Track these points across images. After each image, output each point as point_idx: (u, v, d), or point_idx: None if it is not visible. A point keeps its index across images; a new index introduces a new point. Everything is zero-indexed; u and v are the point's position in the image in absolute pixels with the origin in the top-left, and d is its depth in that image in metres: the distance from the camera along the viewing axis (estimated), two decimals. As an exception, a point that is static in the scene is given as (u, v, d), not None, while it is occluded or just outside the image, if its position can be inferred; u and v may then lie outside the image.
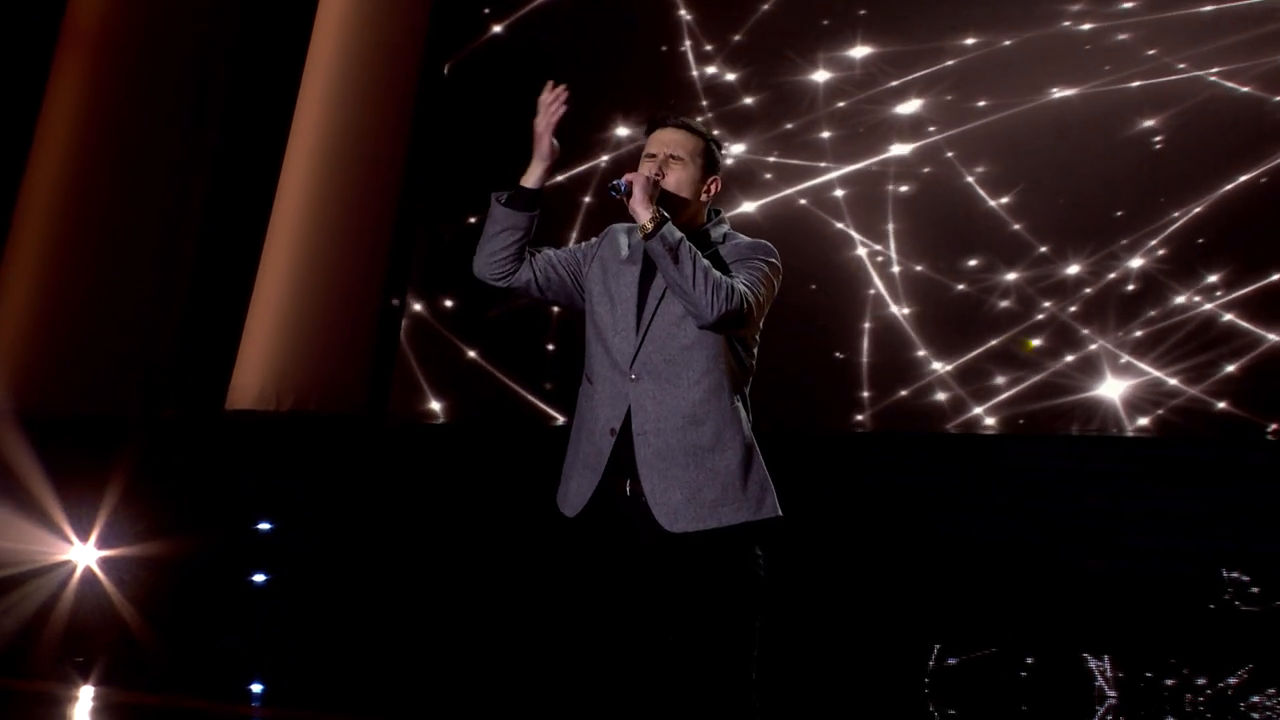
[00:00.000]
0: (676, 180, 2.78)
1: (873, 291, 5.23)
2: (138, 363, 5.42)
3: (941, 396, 5.08)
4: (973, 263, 5.14)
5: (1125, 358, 4.95)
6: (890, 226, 5.26)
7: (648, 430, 2.69)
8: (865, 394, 5.12)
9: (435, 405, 5.53)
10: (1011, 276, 5.13)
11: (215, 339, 5.45)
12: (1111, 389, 4.93)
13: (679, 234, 2.61)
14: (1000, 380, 5.05)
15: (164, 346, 5.46)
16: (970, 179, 5.23)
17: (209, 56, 5.56)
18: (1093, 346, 5.01)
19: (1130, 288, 5.02)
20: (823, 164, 5.39)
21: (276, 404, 5.37)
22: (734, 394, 2.76)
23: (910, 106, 5.33)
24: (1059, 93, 5.14)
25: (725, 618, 2.66)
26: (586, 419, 2.80)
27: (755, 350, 2.85)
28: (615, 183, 2.65)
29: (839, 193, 5.33)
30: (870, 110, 5.40)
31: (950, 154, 5.26)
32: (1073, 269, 5.09)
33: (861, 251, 5.28)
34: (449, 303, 5.63)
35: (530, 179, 2.74)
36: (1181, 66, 4.93)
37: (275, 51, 5.56)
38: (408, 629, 4.94)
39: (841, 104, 5.37)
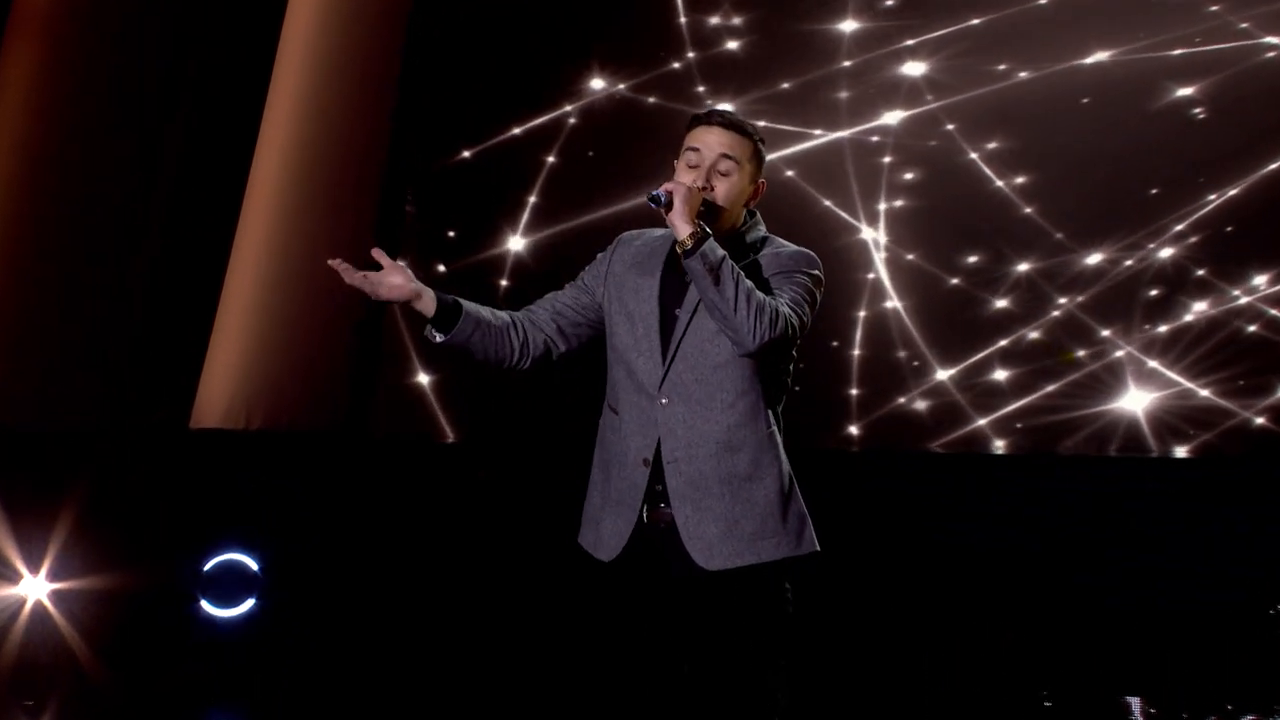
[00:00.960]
0: (726, 192, 2.68)
1: (871, 276, 5.10)
2: (93, 375, 5.27)
3: (936, 405, 4.95)
4: (975, 257, 4.97)
5: (1151, 363, 4.77)
6: (882, 206, 5.13)
7: (679, 457, 2.61)
8: (853, 391, 5.01)
9: (423, 418, 5.46)
10: (1023, 267, 4.95)
11: (179, 350, 5.36)
12: (1134, 401, 4.77)
13: (721, 252, 2.51)
14: (1006, 387, 4.88)
15: (121, 357, 5.32)
16: (975, 155, 5.05)
17: (176, 46, 5.46)
18: (1118, 354, 4.82)
19: (1153, 292, 4.83)
20: (817, 130, 5.22)
21: (245, 421, 5.30)
22: (771, 416, 2.69)
23: (919, 69, 5.18)
24: (1090, 59, 4.96)
25: (752, 658, 2.59)
26: (614, 451, 2.71)
27: (793, 367, 2.77)
28: (654, 193, 2.53)
29: (831, 164, 5.18)
30: (875, 72, 5.23)
31: (951, 125, 5.09)
32: (1092, 259, 4.89)
33: (865, 236, 5.13)
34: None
35: (426, 310, 2.64)
36: (1242, 27, 4.75)
37: (248, 43, 5.50)
38: (400, 672, 4.90)
39: (847, 63, 5.22)
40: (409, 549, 5.17)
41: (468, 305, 2.67)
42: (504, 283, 5.47)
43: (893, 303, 4.94)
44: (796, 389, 2.80)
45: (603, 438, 2.77)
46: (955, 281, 5.01)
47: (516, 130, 5.49)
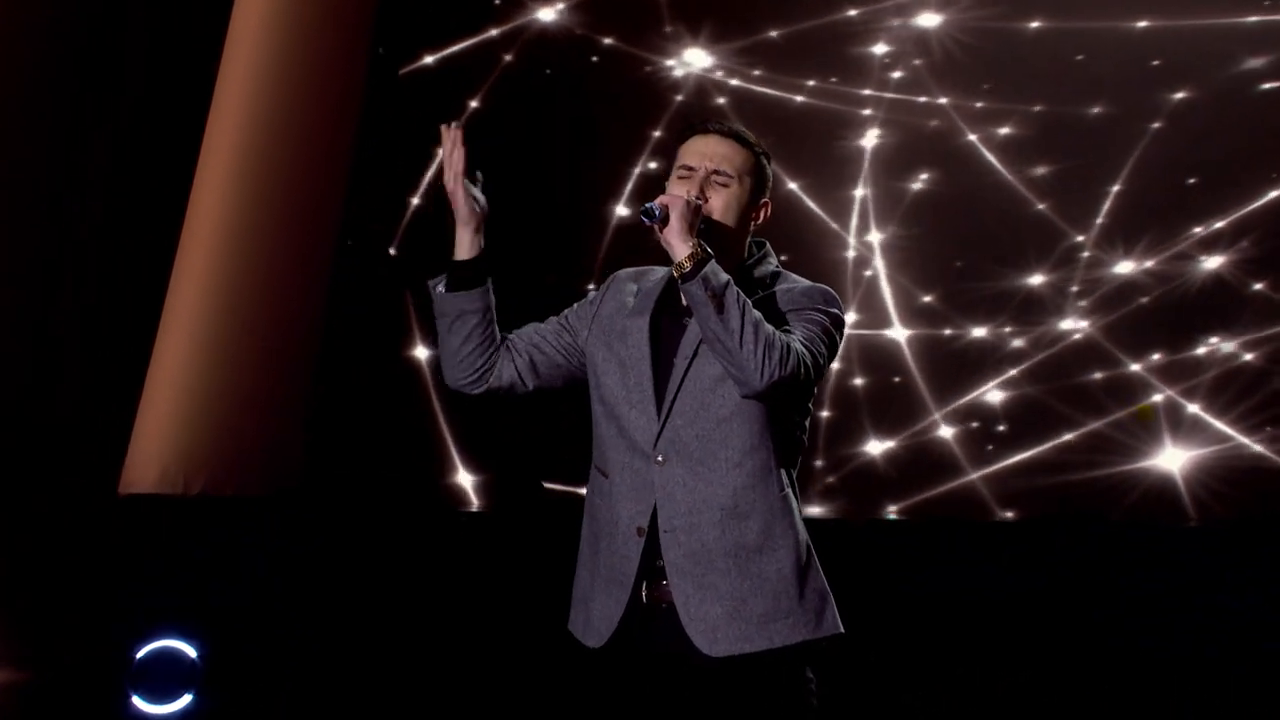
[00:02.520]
0: (724, 204, 2.62)
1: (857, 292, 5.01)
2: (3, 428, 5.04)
3: (930, 457, 4.84)
4: (974, 260, 4.83)
5: (1192, 408, 4.65)
6: (861, 192, 5.02)
7: (677, 526, 2.53)
8: (818, 463, 4.88)
9: (395, 477, 5.44)
10: (1036, 280, 4.82)
11: (104, 400, 5.20)
12: (1171, 459, 4.67)
13: (725, 275, 2.45)
14: (1010, 438, 4.74)
15: (36, 410, 5.13)
16: (975, 136, 4.91)
17: (116, 33, 5.29)
18: (1157, 398, 4.68)
19: (1194, 313, 4.66)
20: (798, 98, 5.06)
21: (184, 486, 5.23)
22: (784, 477, 2.60)
23: (933, 20, 5.05)
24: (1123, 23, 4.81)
25: None
26: (603, 521, 2.63)
27: (808, 422, 2.68)
28: (648, 206, 2.48)
29: (806, 145, 5.06)
30: (870, 26, 5.12)
31: (946, 99, 4.94)
32: (1120, 268, 4.72)
33: (848, 253, 4.99)
34: (421, 353, 5.42)
35: (461, 249, 2.62)
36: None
37: (194, 40, 5.34)
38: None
39: (849, 12, 5.09)
40: (376, 635, 5.15)
41: (491, 284, 2.64)
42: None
43: (888, 333, 4.82)
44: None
45: (591, 505, 2.70)
46: (929, 300, 4.90)
47: (429, 60, 5.42)
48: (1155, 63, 4.80)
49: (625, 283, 2.77)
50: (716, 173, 2.63)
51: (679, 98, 5.20)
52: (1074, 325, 4.82)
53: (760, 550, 2.55)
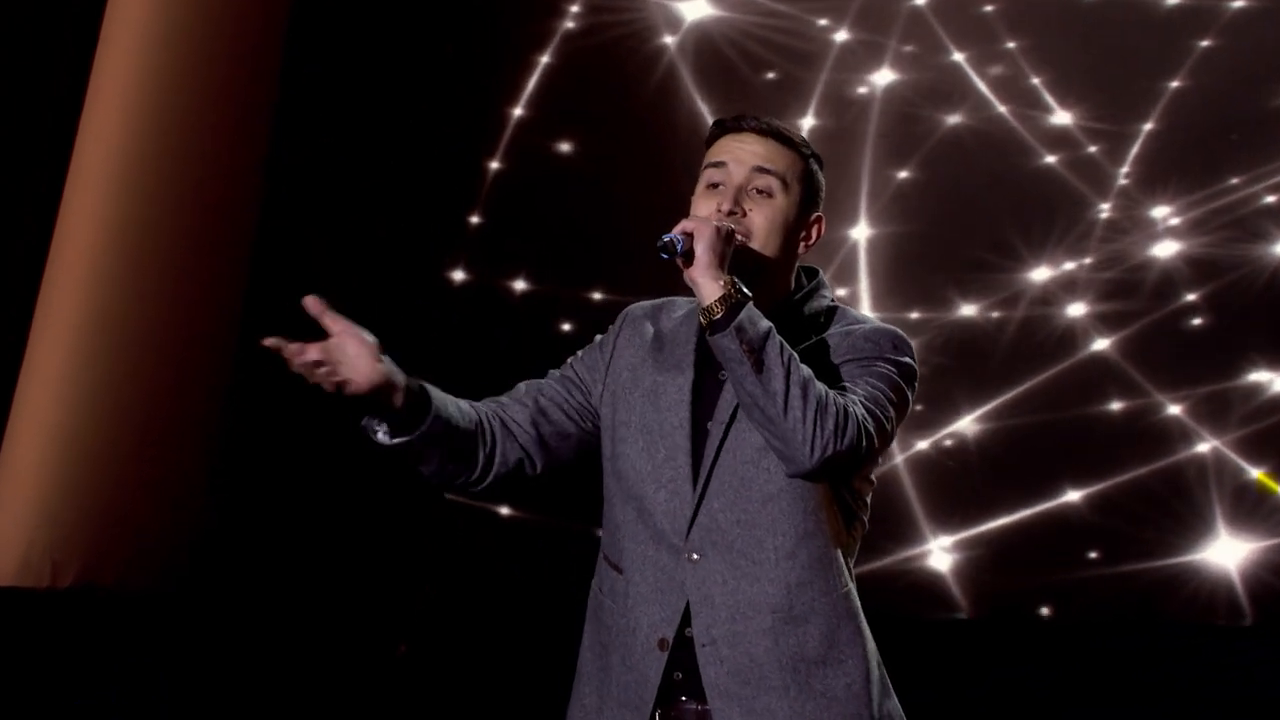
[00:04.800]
0: (765, 221, 2.41)
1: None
2: None
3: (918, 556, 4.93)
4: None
5: (1250, 472, 4.61)
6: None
7: (718, 637, 2.33)
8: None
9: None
10: (1037, 276, 4.92)
11: None
12: (1224, 551, 4.64)
13: (765, 323, 2.24)
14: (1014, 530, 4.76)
15: None
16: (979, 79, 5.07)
17: None
18: (1201, 448, 4.67)
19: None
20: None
21: (51, 578, 5.08)
22: (845, 568, 2.41)
23: None
24: None
25: None
26: (616, 628, 2.42)
27: (870, 495, 2.47)
28: (666, 238, 2.25)
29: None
30: None
31: (961, 55, 5.19)
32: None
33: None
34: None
35: (394, 400, 2.32)
36: None
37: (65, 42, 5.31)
38: None
39: None
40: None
41: (436, 395, 2.37)
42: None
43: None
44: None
45: (598, 608, 2.48)
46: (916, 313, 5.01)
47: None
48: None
49: (641, 323, 2.54)
50: (756, 174, 2.44)
51: (568, 24, 5.71)
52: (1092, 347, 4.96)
53: (824, 662, 2.35)
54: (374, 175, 5.71)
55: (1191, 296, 4.99)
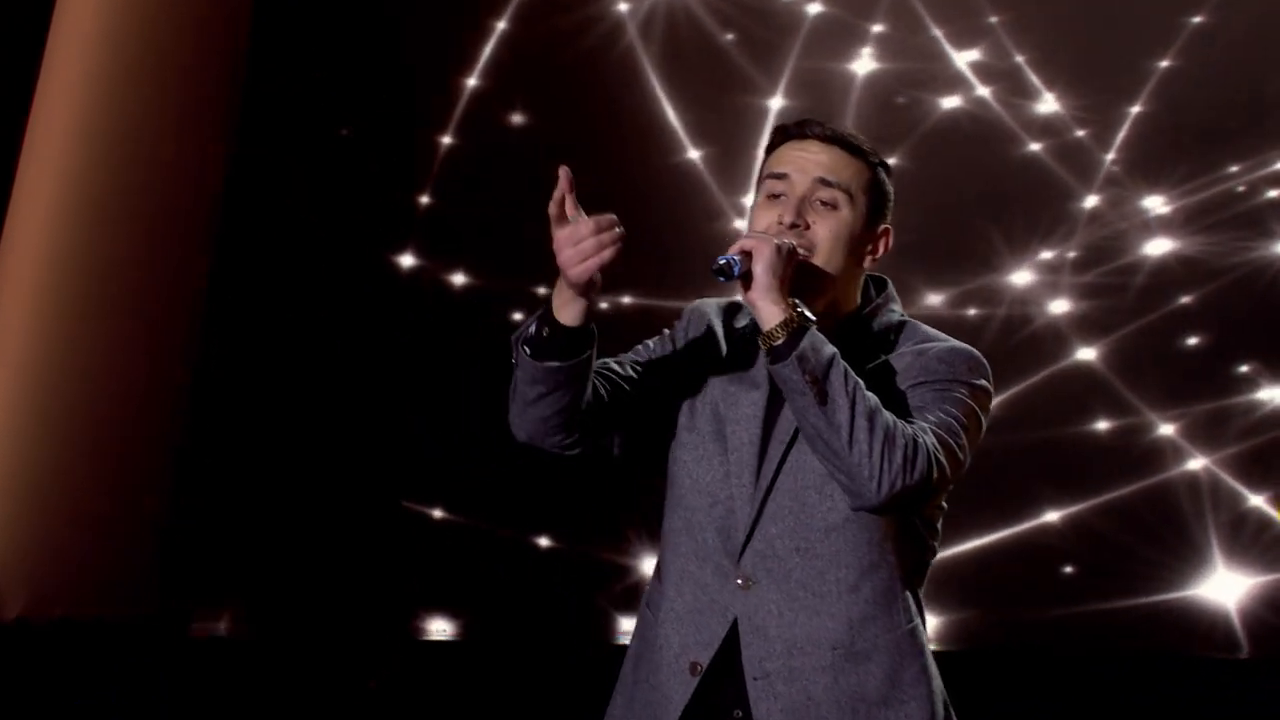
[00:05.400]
0: (830, 234, 2.38)
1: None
2: None
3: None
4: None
5: (1253, 500, 4.43)
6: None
7: (772, 672, 2.32)
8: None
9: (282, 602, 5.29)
10: (1017, 275, 4.81)
11: None
12: (1221, 587, 4.48)
13: (830, 350, 2.21)
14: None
15: None
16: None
17: None
18: (1192, 464, 4.51)
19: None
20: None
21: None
22: (911, 604, 2.40)
23: None
24: None
25: None
26: (648, 641, 2.43)
27: (941, 521, 2.44)
28: (722, 260, 2.22)
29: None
30: None
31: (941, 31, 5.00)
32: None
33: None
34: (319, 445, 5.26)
35: (567, 314, 2.29)
36: None
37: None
38: None
39: None
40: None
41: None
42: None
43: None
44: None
45: (642, 618, 2.49)
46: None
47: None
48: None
49: (710, 322, 2.51)
50: (820, 186, 2.40)
51: (501, 24, 5.53)
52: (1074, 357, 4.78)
53: (885, 703, 2.35)
54: (321, 154, 5.60)
55: (1186, 299, 4.78)
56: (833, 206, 2.39)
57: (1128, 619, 4.60)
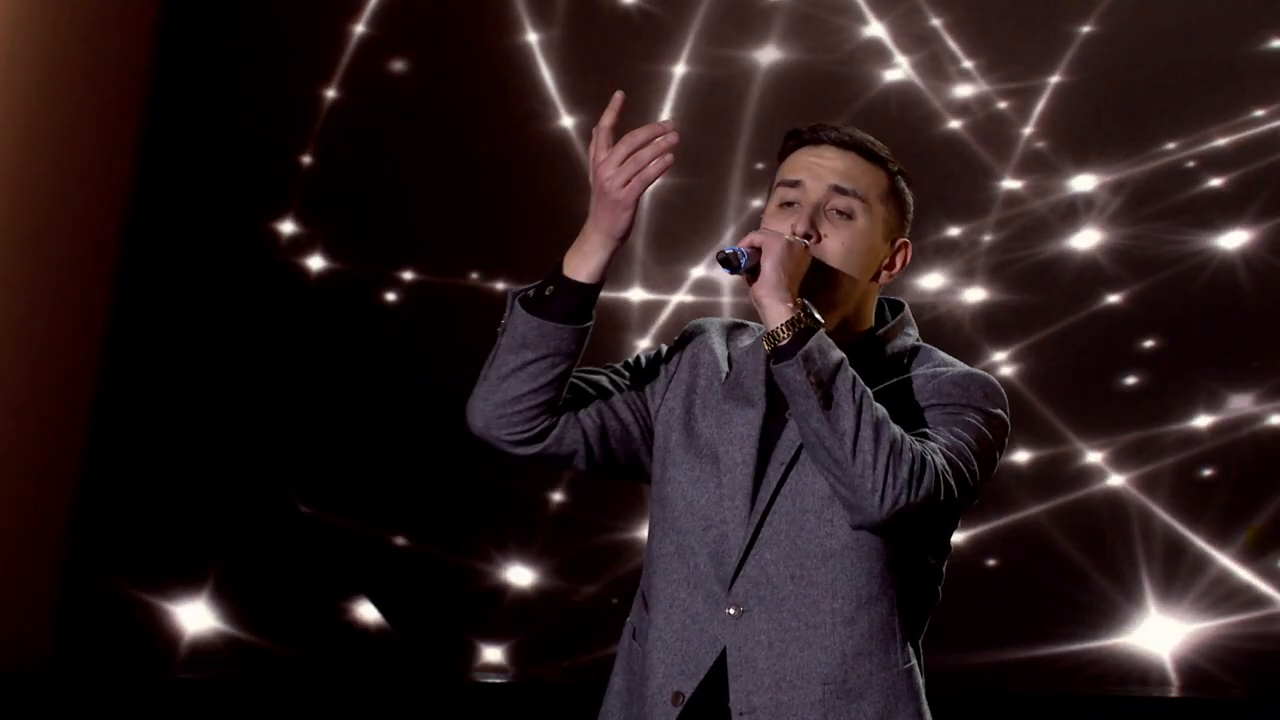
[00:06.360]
0: (843, 244, 2.37)
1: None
2: None
3: None
4: None
5: (1192, 537, 4.42)
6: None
7: (758, 706, 2.30)
8: None
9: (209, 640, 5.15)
10: (924, 282, 4.73)
11: None
12: (1154, 634, 4.39)
13: (838, 353, 2.22)
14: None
15: None
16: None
17: None
18: (1120, 491, 4.50)
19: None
20: None
21: None
22: (908, 640, 2.36)
23: None
24: None
25: None
26: (633, 672, 2.44)
27: (947, 556, 2.44)
28: (728, 250, 2.25)
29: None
30: None
31: None
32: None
33: None
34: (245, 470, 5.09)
35: (585, 267, 2.32)
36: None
37: None
38: None
39: None
40: None
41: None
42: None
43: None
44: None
45: (626, 646, 2.49)
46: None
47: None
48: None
49: (710, 340, 2.57)
50: (835, 194, 2.45)
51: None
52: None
53: None
54: (192, 106, 5.37)
55: (1114, 298, 4.59)
56: (849, 216, 2.39)
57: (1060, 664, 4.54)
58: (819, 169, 2.42)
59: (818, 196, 2.40)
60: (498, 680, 5.24)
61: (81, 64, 5.51)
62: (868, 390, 2.25)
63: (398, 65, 5.26)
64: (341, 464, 4.79)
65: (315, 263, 5.25)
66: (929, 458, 2.25)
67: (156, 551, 5.26)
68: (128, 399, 5.37)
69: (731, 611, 2.36)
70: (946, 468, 2.27)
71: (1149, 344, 4.60)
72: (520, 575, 4.68)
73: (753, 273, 2.25)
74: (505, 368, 2.38)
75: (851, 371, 2.25)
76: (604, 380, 2.50)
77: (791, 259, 2.27)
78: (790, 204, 2.40)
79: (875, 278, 2.45)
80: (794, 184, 2.42)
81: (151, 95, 5.54)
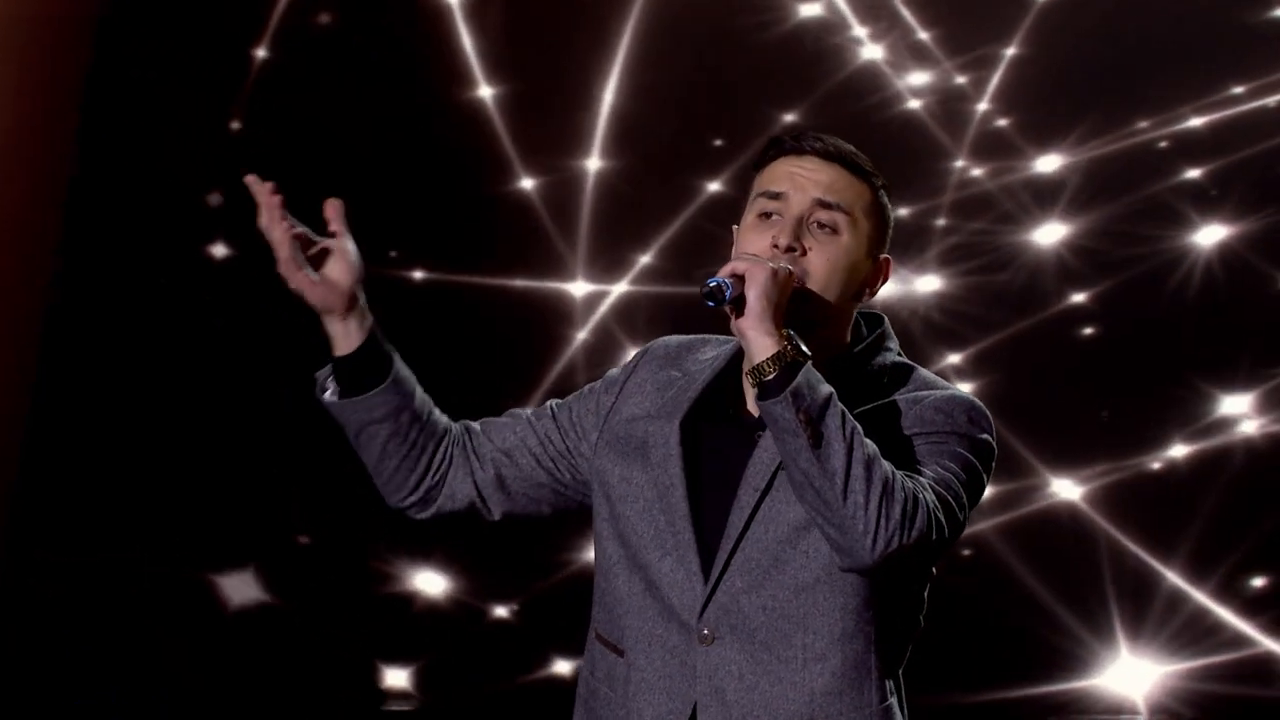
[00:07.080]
0: (827, 262, 2.37)
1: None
2: None
3: None
4: None
5: (1165, 572, 4.41)
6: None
7: None
8: None
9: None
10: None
11: None
12: (1125, 675, 4.37)
13: (826, 389, 2.20)
14: None
15: None
16: None
17: None
18: (1083, 517, 4.53)
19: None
20: None
21: None
22: (885, 681, 2.35)
23: None
24: None
25: None
26: (612, 718, 2.45)
27: (927, 593, 2.41)
28: (712, 283, 2.24)
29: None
30: None
31: None
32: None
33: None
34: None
35: (338, 342, 2.33)
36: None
37: None
38: None
39: None
40: None
41: (400, 365, 2.40)
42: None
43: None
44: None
45: (590, 696, 2.45)
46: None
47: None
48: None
49: (660, 364, 2.55)
50: (818, 207, 2.40)
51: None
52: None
53: None
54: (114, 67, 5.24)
55: (1080, 298, 4.42)
56: (833, 230, 2.42)
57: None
58: (802, 180, 2.43)
59: (801, 209, 2.39)
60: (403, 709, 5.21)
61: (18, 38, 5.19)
62: (858, 426, 2.26)
63: (324, 19, 5.15)
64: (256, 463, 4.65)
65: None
66: (921, 496, 2.25)
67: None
68: (57, 400, 5.19)
69: (706, 633, 2.41)
70: (937, 504, 2.27)
71: (1116, 356, 4.39)
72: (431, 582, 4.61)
73: (737, 303, 2.25)
74: (357, 449, 2.43)
75: (840, 406, 2.26)
76: (509, 428, 2.53)
77: (776, 287, 2.28)
78: (770, 215, 2.40)
79: (857, 296, 2.45)
80: (775, 195, 2.41)
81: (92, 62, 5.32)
